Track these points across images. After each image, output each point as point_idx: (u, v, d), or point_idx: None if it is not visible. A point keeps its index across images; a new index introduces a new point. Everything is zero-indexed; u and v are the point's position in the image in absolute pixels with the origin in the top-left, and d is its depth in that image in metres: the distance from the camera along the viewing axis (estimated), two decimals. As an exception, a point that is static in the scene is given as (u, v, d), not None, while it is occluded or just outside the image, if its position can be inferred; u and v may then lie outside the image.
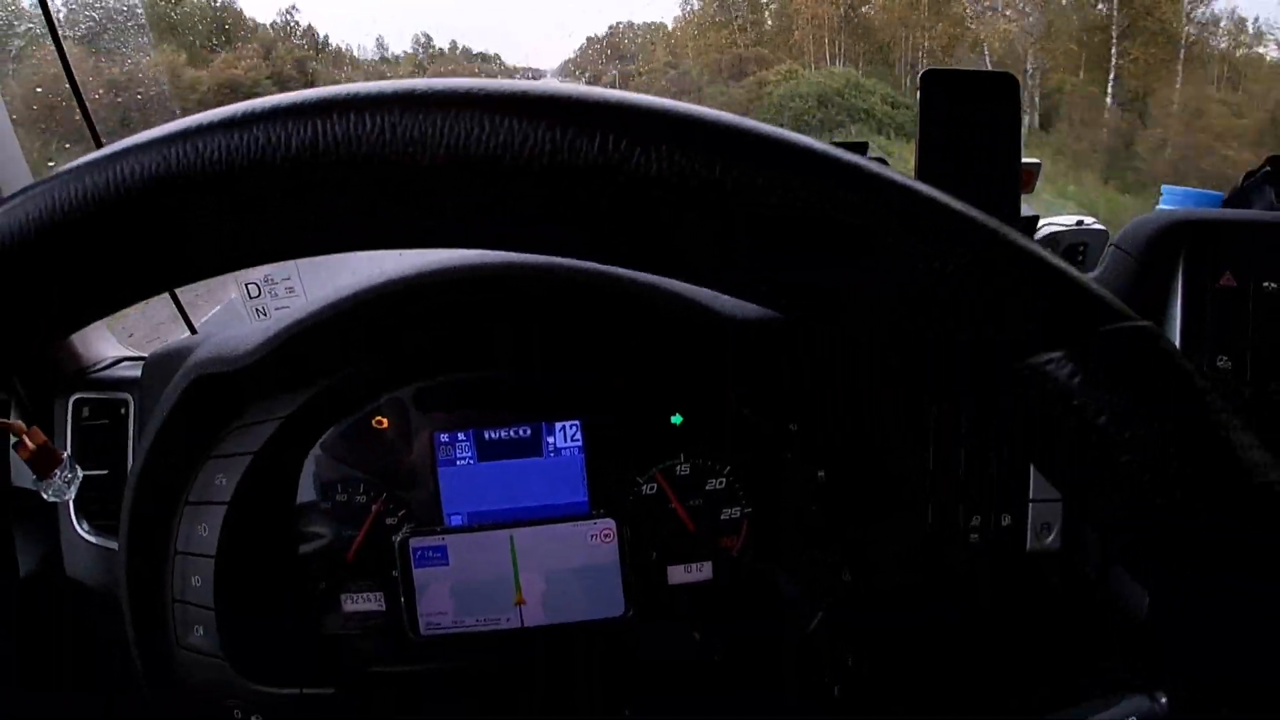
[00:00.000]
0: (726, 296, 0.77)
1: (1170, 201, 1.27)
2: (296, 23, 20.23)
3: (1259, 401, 0.89)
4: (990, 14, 17.79)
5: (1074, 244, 1.46)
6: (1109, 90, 13.25)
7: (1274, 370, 0.90)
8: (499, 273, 0.74)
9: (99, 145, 0.92)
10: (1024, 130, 1.09)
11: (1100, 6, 14.11)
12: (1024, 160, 1.29)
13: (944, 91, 1.00)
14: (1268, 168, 1.19)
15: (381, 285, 0.72)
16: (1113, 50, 13.39)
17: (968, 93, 1.03)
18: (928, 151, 0.99)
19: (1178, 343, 0.90)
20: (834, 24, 22.14)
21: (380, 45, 23.59)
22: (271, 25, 19.67)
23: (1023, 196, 1.25)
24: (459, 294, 0.74)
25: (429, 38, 25.24)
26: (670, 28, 25.60)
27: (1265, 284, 0.95)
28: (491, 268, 0.74)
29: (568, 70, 32.36)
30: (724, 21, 24.71)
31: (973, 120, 1.02)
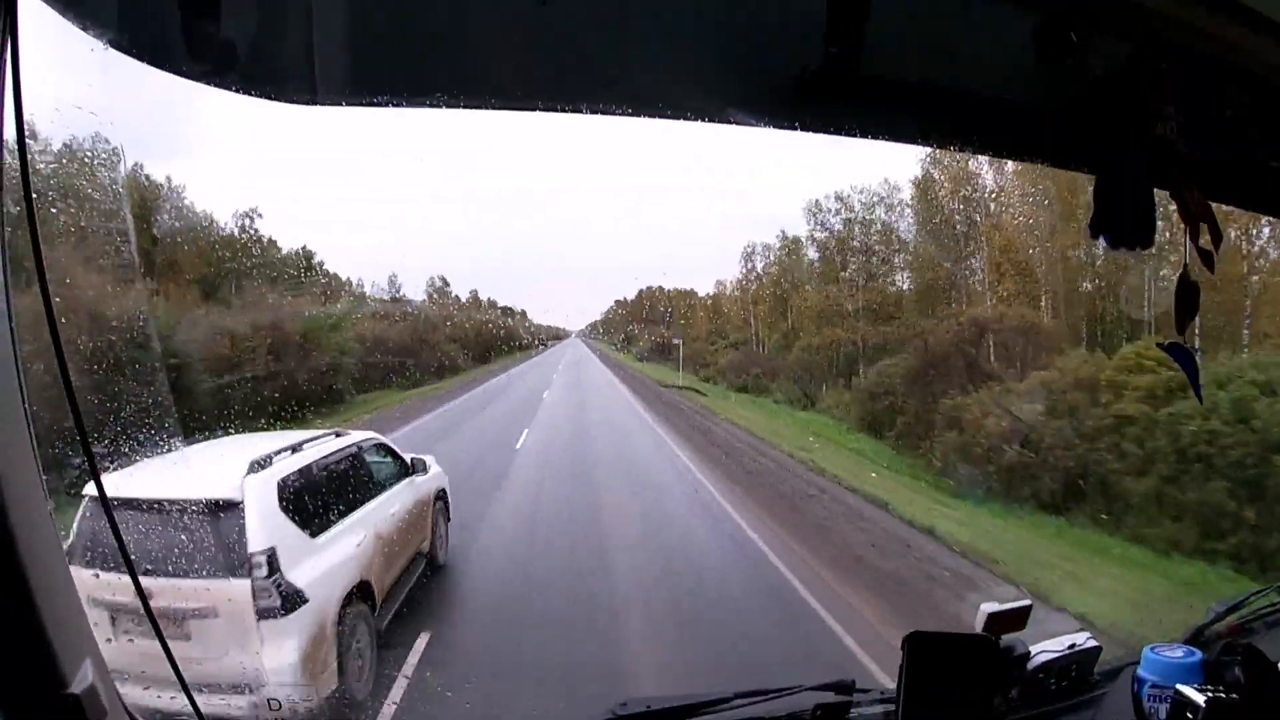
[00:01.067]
0: None
1: (1148, 667, 1.35)
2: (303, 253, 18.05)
3: None
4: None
5: (1066, 666, 1.53)
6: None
7: None
8: None
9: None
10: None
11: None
12: (1016, 604, 1.48)
13: (929, 653, 1.19)
14: (1239, 656, 1.29)
15: None
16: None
17: (950, 653, 1.21)
18: (910, 706, 1.18)
19: None
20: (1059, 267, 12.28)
21: (392, 283, 21.39)
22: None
23: (1016, 634, 1.47)
24: None
25: (445, 281, 23.24)
26: (701, 294, 22.92)
27: None
28: None
29: (592, 332, 31.13)
30: (828, 273, 16.87)
31: (954, 677, 1.19)
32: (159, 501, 4.18)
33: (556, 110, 1.11)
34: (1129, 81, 1.11)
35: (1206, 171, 1.17)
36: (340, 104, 1.14)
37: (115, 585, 3.34)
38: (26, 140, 1.04)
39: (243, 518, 4.18)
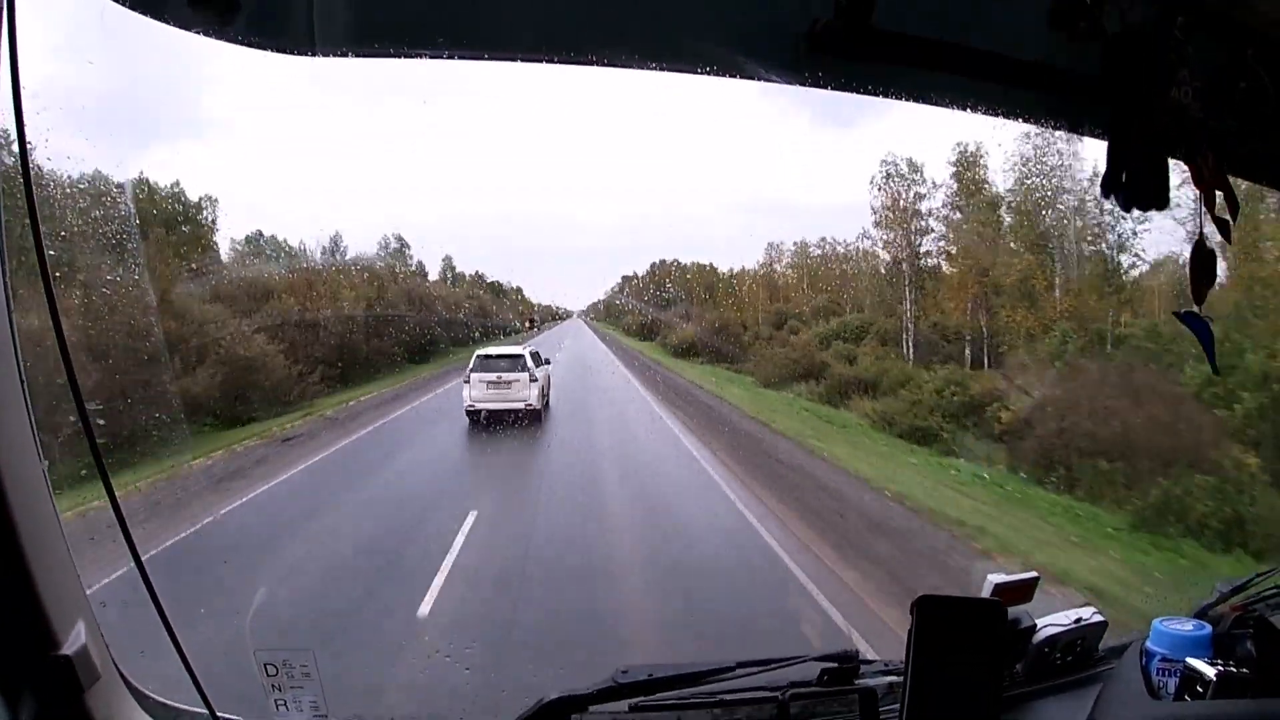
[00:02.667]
0: None
1: (1157, 640, 1.34)
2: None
3: None
4: None
5: (1071, 641, 1.53)
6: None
7: None
8: None
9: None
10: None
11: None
12: (1023, 576, 1.49)
13: (939, 617, 1.19)
14: (1250, 630, 1.31)
15: None
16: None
17: (960, 619, 1.22)
18: (919, 672, 1.18)
19: None
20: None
21: (336, 244, 19.44)
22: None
23: (1023, 606, 1.48)
24: None
25: (403, 241, 21.05)
26: (723, 270, 20.77)
27: None
28: None
29: (595, 313, 27.27)
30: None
31: (963, 644, 1.20)
32: (504, 354, 14.99)
33: (564, 62, 1.10)
34: (1144, 45, 1.09)
35: (1221, 139, 1.15)
36: (340, 54, 1.12)
37: (485, 378, 14.42)
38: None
39: (526, 357, 14.87)
